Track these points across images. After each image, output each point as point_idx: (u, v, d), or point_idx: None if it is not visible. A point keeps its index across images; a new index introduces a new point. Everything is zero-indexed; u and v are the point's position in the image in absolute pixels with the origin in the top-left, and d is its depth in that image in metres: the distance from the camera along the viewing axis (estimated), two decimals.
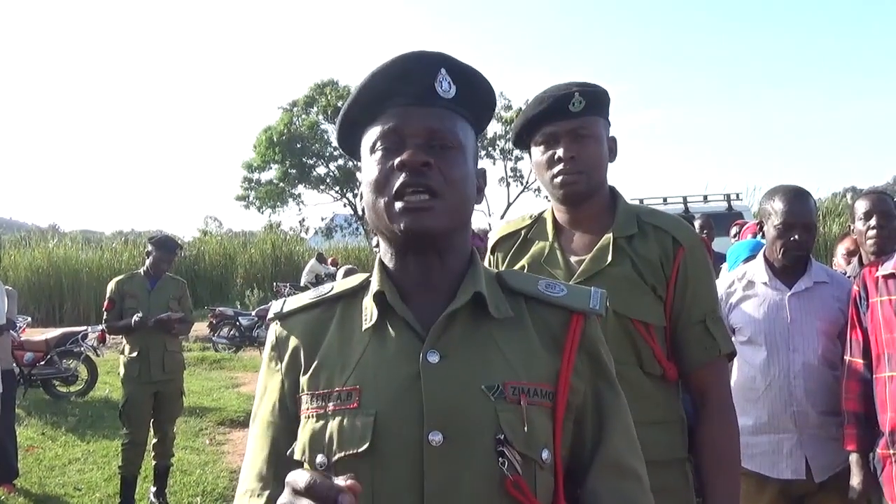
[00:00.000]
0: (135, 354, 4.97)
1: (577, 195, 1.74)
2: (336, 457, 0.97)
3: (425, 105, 1.04)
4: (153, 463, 5.14)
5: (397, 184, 1.00)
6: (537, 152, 1.78)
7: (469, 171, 1.06)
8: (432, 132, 1.03)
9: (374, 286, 1.06)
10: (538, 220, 1.89)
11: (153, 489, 5.13)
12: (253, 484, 1.04)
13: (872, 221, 2.70)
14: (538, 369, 1.02)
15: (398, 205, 1.00)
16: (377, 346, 1.03)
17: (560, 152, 1.72)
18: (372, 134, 1.05)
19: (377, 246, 1.15)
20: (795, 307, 2.54)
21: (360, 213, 1.12)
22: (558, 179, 1.73)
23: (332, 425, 0.99)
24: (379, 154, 1.03)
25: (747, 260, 3.26)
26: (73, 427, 7.23)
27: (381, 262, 1.09)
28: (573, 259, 1.77)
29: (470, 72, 1.08)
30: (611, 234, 1.73)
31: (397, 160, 1.00)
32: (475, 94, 1.09)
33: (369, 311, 1.06)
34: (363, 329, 1.05)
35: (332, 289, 1.14)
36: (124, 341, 5.14)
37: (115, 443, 6.07)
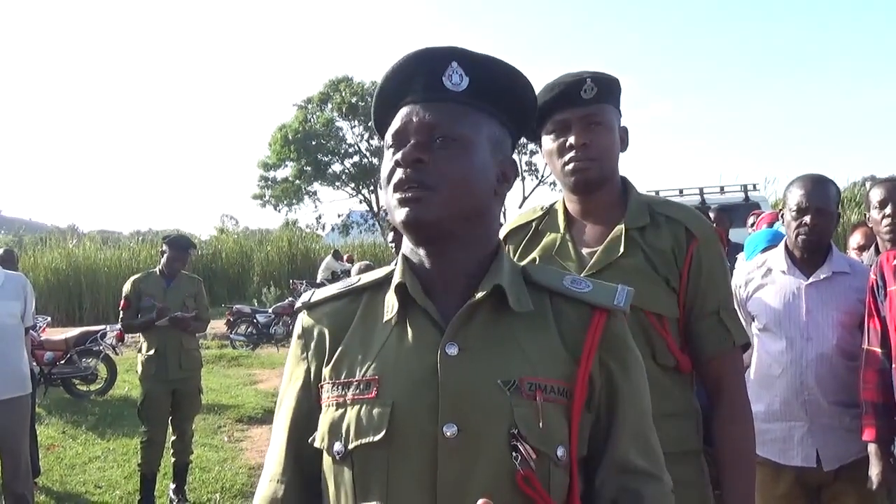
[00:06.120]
0: (152, 352, 5.00)
1: (589, 183, 1.72)
2: (352, 445, 0.99)
3: (432, 101, 1.05)
4: (172, 460, 5.18)
5: (395, 179, 1.03)
6: (548, 140, 1.76)
7: (476, 163, 1.04)
8: (433, 127, 1.04)
9: (396, 278, 1.07)
10: (549, 211, 1.87)
11: (172, 486, 5.17)
12: (275, 469, 1.09)
13: (888, 210, 2.65)
14: (556, 366, 1.01)
15: (395, 197, 1.03)
16: (398, 338, 1.04)
17: (572, 139, 1.69)
18: (387, 134, 1.09)
19: (392, 241, 1.16)
20: (812, 297, 2.52)
21: (375, 209, 1.13)
22: (570, 167, 1.70)
23: (351, 414, 1.00)
24: (389, 152, 1.07)
25: (765, 250, 3.24)
26: (93, 425, 7.29)
27: (404, 256, 1.10)
28: (585, 251, 1.74)
29: (484, 61, 1.08)
30: (623, 225, 1.71)
31: (395, 157, 1.04)
32: (493, 82, 1.08)
33: (391, 303, 1.07)
34: (385, 320, 1.06)
35: (359, 280, 1.16)
36: (142, 339, 5.18)
37: (134, 440, 6.12)
